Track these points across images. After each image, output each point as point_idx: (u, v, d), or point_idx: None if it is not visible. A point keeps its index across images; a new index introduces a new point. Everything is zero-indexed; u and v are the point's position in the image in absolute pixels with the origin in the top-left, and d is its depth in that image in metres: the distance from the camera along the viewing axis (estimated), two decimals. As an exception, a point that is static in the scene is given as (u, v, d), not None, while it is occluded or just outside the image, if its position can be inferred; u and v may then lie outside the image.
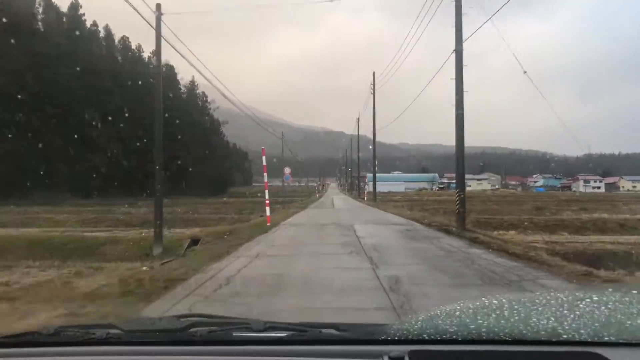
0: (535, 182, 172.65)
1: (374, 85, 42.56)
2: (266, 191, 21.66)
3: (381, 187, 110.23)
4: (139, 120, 77.65)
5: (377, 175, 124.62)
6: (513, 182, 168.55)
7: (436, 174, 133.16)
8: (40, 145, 66.69)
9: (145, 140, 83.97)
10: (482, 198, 74.21)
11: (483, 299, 1.99)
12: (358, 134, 67.18)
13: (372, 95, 43.38)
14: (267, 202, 21.28)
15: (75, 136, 68.99)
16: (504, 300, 1.99)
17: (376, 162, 43.84)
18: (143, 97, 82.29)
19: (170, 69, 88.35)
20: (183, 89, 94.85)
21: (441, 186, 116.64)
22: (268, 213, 20.41)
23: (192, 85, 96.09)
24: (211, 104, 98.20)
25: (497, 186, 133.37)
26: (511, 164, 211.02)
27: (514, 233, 26.05)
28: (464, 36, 18.08)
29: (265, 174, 21.68)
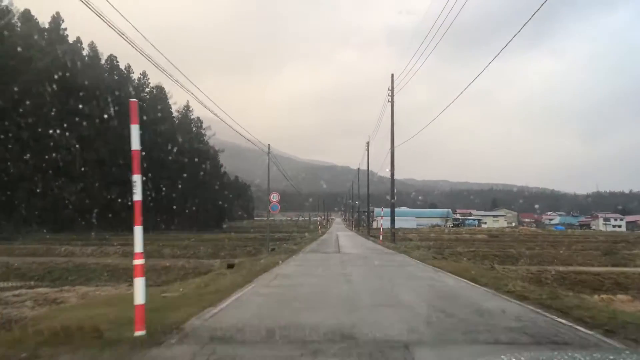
0: (550, 219, 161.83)
1: (392, 89, 32.69)
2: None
3: (389, 223, 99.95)
4: (121, 146, 67.94)
5: (385, 210, 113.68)
6: (527, 220, 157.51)
7: (449, 210, 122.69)
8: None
9: (127, 168, 73.73)
10: (512, 237, 63.80)
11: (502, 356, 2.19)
12: (368, 157, 57.23)
13: (388, 120, 33.54)
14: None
15: (45, 162, 59.52)
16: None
17: (393, 193, 33.46)
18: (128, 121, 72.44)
19: (160, 90, 79.20)
20: (175, 114, 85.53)
21: (456, 222, 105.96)
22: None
23: (186, 110, 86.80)
24: (207, 130, 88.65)
25: (513, 223, 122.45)
26: (520, 201, 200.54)
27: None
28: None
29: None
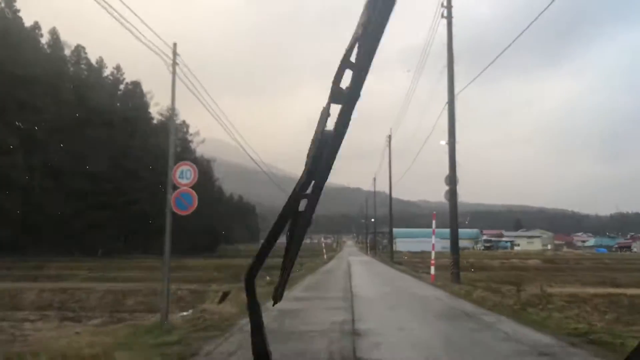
0: (583, 241, 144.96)
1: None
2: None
3: (410, 246, 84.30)
4: (82, 151, 53.96)
5: (403, 230, 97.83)
6: (557, 241, 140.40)
7: (478, 230, 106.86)
8: None
9: (89, 179, 59.56)
10: (571, 265, 48.38)
11: None
12: (390, 153, 42.31)
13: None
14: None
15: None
16: None
17: (454, 174, 17.81)
18: (92, 121, 58.71)
19: (136, 86, 65.20)
20: (158, 117, 71.29)
21: (487, 244, 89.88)
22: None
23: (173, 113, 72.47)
24: (194, 136, 74.24)
25: (549, 245, 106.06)
26: (540, 222, 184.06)
27: None
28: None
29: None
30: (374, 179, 62.77)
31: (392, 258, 41.77)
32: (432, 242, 19.84)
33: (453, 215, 17.73)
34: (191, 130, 73.86)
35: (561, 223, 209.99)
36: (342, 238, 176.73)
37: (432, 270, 18.05)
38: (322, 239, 60.62)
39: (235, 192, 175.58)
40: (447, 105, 16.98)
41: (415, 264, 45.62)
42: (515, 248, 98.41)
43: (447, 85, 16.89)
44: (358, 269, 28.37)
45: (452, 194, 17.37)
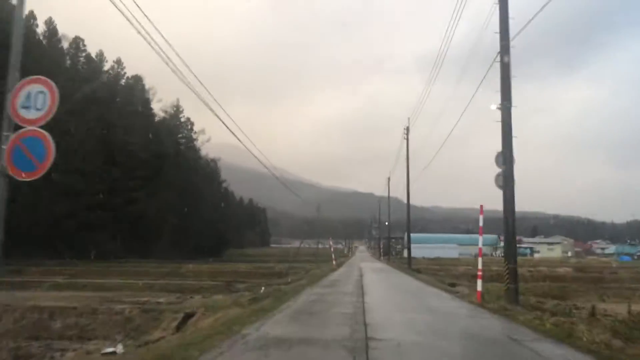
0: (602, 248, 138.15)
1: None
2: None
3: (425, 252, 78.71)
4: (75, 147, 49.49)
5: (417, 235, 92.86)
6: (576, 249, 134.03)
7: (496, 236, 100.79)
8: None
9: (82, 177, 54.82)
10: (606, 275, 42.85)
11: None
12: (407, 146, 37.09)
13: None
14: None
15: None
16: None
17: (510, 160, 12.86)
18: (88, 107, 53.98)
19: (137, 81, 60.95)
20: (162, 114, 66.97)
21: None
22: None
23: (176, 110, 68.19)
24: (199, 135, 69.66)
25: (569, 252, 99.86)
26: (555, 229, 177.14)
27: None
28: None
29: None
30: (388, 179, 57.80)
31: (410, 265, 36.64)
32: (479, 245, 14.63)
33: (508, 208, 12.63)
34: (196, 128, 69.39)
35: (576, 230, 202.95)
36: (353, 243, 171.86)
37: (479, 285, 12.81)
38: (331, 243, 55.59)
39: (248, 197, 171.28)
40: (498, 55, 11.98)
41: (435, 272, 40.46)
42: (535, 255, 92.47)
43: (499, 27, 11.92)
44: (372, 279, 23.31)
45: (506, 178, 12.33)
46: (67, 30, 59.32)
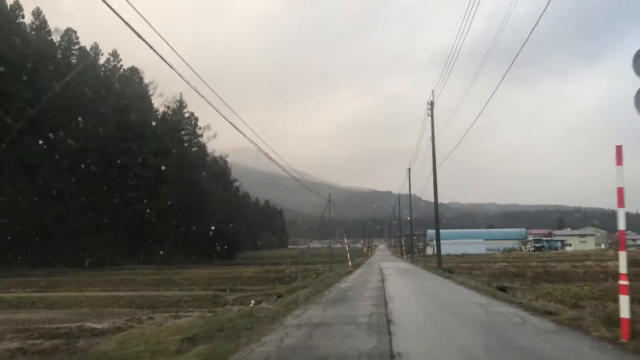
0: (634, 239, 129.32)
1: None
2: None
3: (449, 248, 72.26)
4: (62, 144, 44.49)
5: (442, 231, 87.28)
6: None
7: (524, 229, 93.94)
8: None
9: (74, 177, 49.49)
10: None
11: None
12: (432, 124, 30.91)
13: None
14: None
15: None
16: None
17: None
18: (81, 101, 48.92)
19: (134, 73, 56.02)
20: (163, 109, 61.93)
21: (537, 245, 77.02)
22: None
23: (180, 105, 63.06)
24: (205, 130, 64.33)
25: (603, 245, 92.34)
26: (579, 222, 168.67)
27: None
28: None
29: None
30: (408, 170, 51.75)
31: (439, 264, 30.66)
32: (620, 222, 8.35)
33: None
34: (201, 124, 64.16)
35: (600, 221, 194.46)
36: (373, 242, 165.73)
37: (625, 305, 6.46)
38: (345, 241, 49.80)
39: (267, 199, 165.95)
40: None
41: (468, 271, 34.37)
42: (567, 248, 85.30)
43: None
44: (399, 287, 17.46)
45: None
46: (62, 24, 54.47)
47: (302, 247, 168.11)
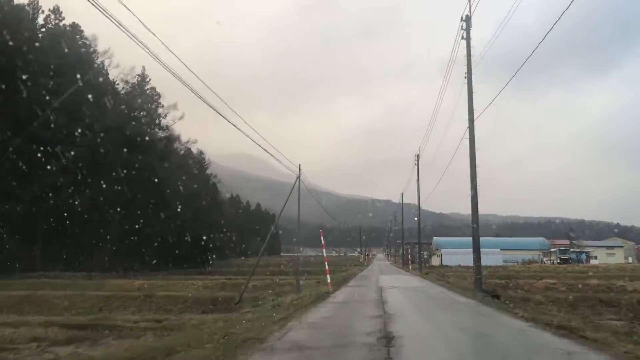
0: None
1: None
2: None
3: (459, 259, 59.49)
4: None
5: (448, 239, 74.05)
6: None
7: (543, 239, 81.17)
8: None
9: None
10: None
11: None
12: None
13: None
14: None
15: None
16: None
17: None
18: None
19: (75, 29, 43.86)
20: (121, 84, 49.49)
21: (564, 256, 63.92)
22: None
23: (141, 79, 50.72)
24: (169, 110, 51.59)
25: (630, 258, 79.38)
26: (583, 234, 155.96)
27: None
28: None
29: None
30: (417, 157, 39.03)
31: (479, 284, 17.93)
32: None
33: None
34: (165, 102, 51.60)
35: (605, 234, 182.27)
36: (371, 251, 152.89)
37: None
38: (349, 253, 36.83)
39: (258, 202, 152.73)
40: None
41: (514, 291, 21.86)
42: (592, 261, 72.29)
43: None
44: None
45: None
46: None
47: (295, 254, 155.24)
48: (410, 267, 44.67)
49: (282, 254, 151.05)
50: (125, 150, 40.61)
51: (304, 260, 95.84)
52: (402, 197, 54.84)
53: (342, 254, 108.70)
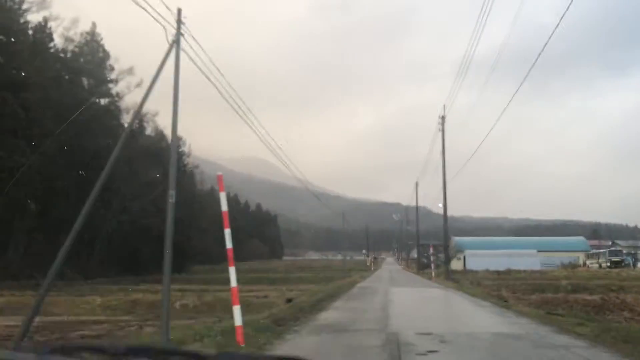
0: None
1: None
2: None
3: (486, 262, 46.90)
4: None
5: (473, 239, 62.25)
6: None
7: (583, 238, 68.19)
8: None
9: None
10: None
11: None
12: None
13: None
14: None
15: None
16: None
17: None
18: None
19: None
20: (69, 46, 38.01)
21: (615, 259, 50.91)
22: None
23: (91, 37, 39.26)
24: (122, 76, 39.88)
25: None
26: (616, 236, 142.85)
27: None
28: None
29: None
30: (442, 138, 26.71)
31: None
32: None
33: None
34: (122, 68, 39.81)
35: (624, 236, 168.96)
36: (380, 254, 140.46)
37: None
38: (355, 257, 24.58)
39: (258, 203, 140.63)
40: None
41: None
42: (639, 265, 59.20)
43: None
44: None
45: None
46: None
47: (299, 258, 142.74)
48: (433, 272, 32.23)
49: (285, 257, 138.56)
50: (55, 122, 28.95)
51: (307, 264, 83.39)
52: (417, 186, 42.65)
53: (349, 257, 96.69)
